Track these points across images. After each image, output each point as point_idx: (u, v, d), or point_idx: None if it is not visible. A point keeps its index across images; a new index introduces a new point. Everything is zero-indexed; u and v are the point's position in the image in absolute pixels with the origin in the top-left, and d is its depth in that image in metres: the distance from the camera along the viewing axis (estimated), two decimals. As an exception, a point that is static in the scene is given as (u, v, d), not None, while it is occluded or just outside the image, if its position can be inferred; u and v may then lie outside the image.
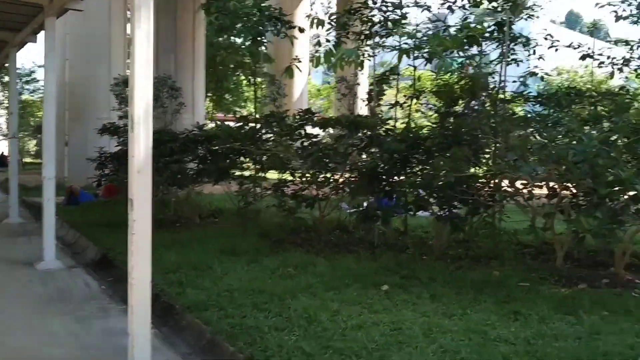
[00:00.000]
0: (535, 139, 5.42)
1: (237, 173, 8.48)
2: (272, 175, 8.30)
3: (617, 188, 4.72)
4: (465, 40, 5.90)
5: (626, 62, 6.59)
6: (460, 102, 7.33)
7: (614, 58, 6.61)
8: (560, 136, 5.29)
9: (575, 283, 5.54)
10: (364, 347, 3.88)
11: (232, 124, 8.61)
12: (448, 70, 5.34)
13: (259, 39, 8.25)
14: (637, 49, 6.44)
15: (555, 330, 4.20)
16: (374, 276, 5.56)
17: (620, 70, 6.86)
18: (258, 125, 7.96)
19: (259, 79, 9.01)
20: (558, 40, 7.11)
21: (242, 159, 8.24)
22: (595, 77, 19.26)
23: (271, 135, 7.78)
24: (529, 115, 6.41)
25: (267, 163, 7.77)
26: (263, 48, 8.59)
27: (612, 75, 7.02)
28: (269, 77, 8.89)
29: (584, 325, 4.29)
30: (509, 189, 6.31)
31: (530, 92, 6.77)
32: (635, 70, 6.71)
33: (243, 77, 26.46)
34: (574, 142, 5.14)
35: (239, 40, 20.71)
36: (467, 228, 6.47)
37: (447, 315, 4.55)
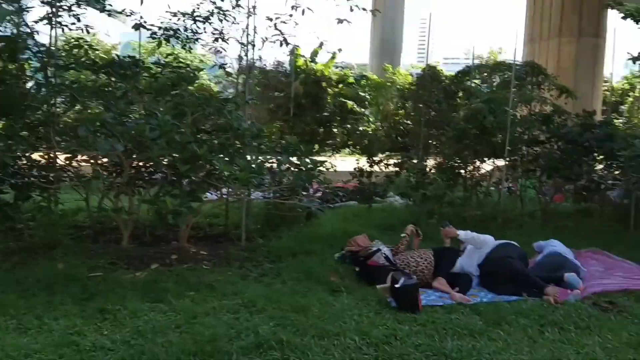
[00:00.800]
0: (106, 113, 4.83)
1: None
2: None
3: (195, 164, 4.64)
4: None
5: (175, 32, 6.58)
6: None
7: (167, 29, 6.51)
8: (129, 110, 4.86)
9: (147, 263, 5.33)
10: None
11: None
12: (2, 21, 4.16)
13: None
14: (185, 20, 6.50)
15: (151, 323, 3.87)
16: None
17: (168, 40, 6.80)
18: None
19: None
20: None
21: None
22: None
23: None
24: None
25: None
26: None
27: (159, 44, 6.86)
28: None
29: (177, 311, 4.11)
30: (68, 167, 5.59)
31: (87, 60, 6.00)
32: (183, 40, 6.76)
33: None
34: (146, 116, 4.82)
35: None
36: (18, 215, 5.43)
37: (21, 332, 3.68)
